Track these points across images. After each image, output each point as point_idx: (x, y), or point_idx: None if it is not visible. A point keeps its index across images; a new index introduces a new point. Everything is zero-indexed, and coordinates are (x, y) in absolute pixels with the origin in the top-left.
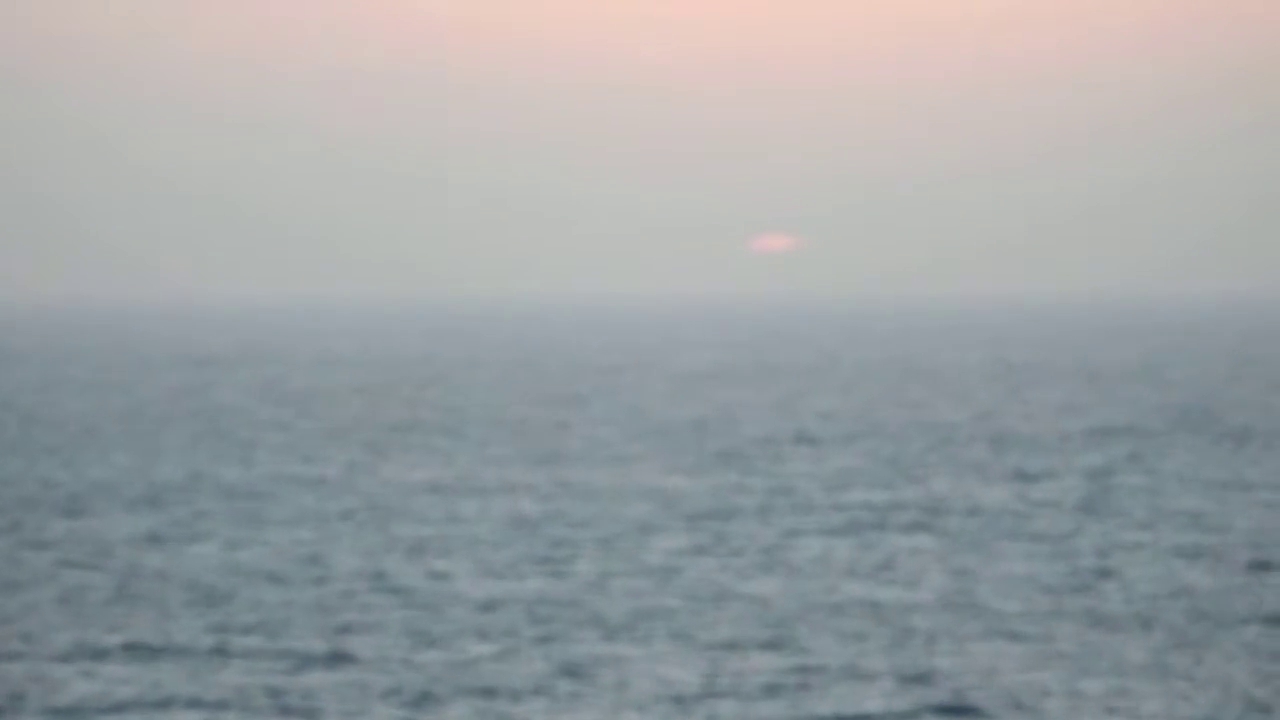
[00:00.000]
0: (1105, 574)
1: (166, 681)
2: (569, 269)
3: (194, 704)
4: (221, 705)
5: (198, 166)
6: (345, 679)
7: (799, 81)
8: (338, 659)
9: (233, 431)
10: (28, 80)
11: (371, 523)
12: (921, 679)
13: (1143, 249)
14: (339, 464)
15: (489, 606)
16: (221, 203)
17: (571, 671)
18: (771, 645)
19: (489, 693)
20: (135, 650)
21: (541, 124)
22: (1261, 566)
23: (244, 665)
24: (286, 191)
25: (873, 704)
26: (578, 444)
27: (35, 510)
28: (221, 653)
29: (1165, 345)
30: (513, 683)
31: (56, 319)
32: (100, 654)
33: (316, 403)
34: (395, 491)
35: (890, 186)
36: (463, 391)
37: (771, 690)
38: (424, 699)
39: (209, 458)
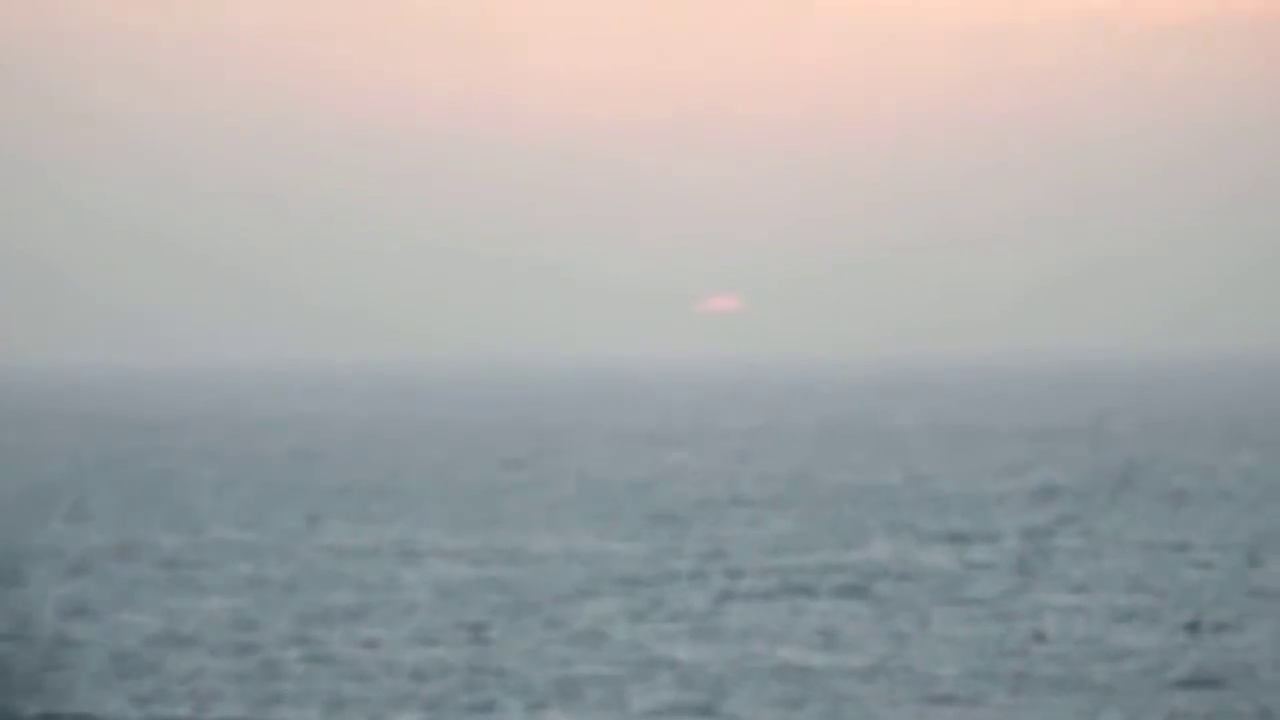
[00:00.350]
0: (1038, 637)
1: None
2: (521, 330)
3: None
4: None
5: (191, 230)
6: None
7: (750, 145)
8: None
9: (171, 496)
10: (25, 151)
11: (306, 589)
12: None
13: (1126, 311)
14: (277, 529)
15: (419, 674)
16: (214, 266)
17: None
18: (703, 712)
19: None
20: None
21: (492, 184)
22: (1195, 628)
23: None
24: (270, 255)
25: None
26: (517, 507)
27: None
28: None
29: (1119, 404)
30: None
31: (33, 382)
32: None
33: (258, 467)
34: (331, 557)
35: (845, 251)
36: (404, 453)
37: None
38: None
39: (145, 523)
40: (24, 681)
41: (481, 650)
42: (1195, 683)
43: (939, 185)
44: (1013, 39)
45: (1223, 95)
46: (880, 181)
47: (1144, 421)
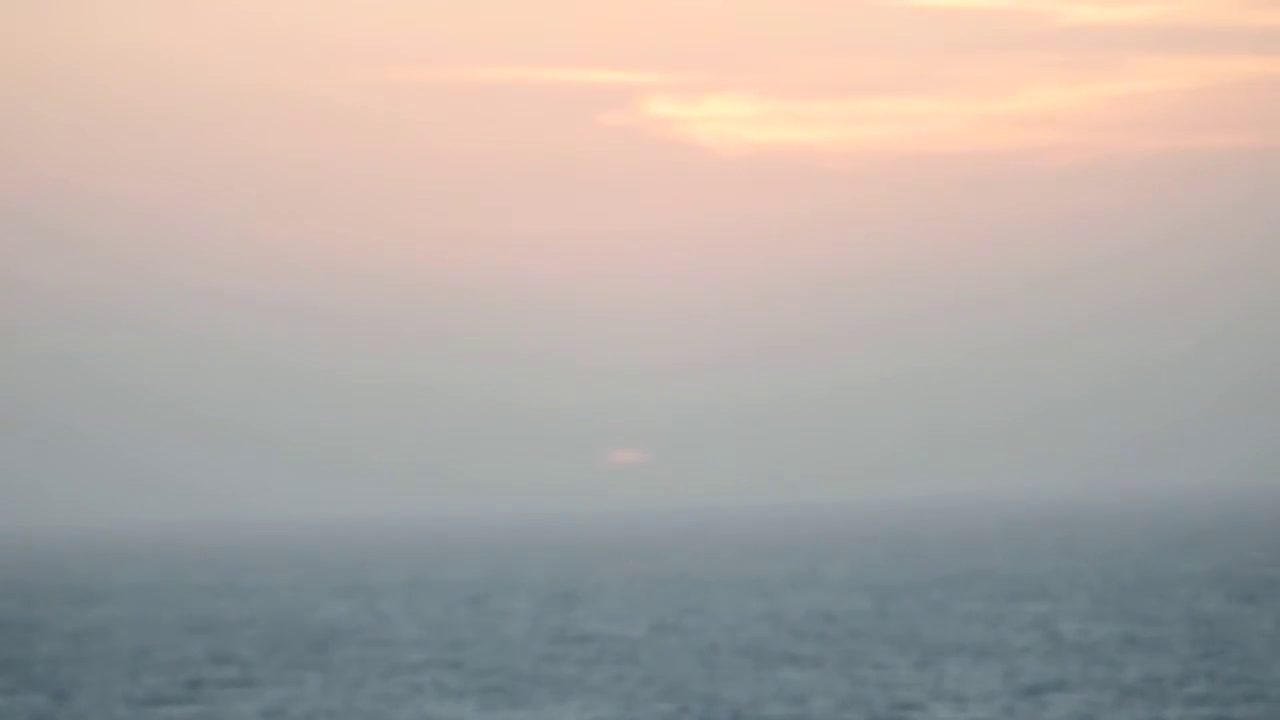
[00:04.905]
0: None
1: None
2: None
3: None
4: None
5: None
6: None
7: (645, 295)
8: None
9: None
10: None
11: None
12: None
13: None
14: None
15: None
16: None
17: None
18: None
19: None
20: None
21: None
22: None
23: None
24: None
25: None
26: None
27: None
28: None
29: (894, 550)
30: None
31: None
32: None
33: None
34: None
35: (749, 399)
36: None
37: None
38: None
39: None
40: None
41: None
42: None
43: (845, 332)
44: (951, 181)
45: (1160, 233)
46: (790, 328)
47: (897, 568)
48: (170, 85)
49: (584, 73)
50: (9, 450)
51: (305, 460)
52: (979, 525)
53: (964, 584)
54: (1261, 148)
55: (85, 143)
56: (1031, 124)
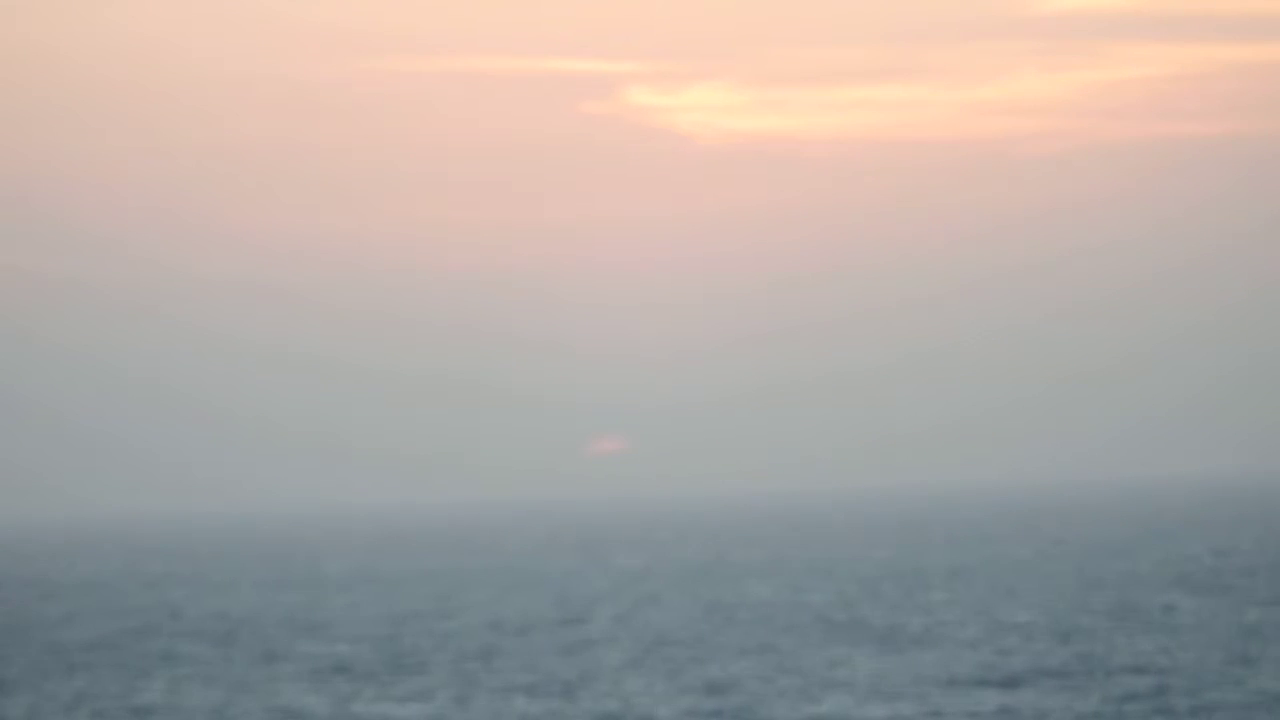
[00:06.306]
0: None
1: None
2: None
3: None
4: None
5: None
6: None
7: (620, 287)
8: None
9: None
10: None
11: None
12: None
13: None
14: None
15: None
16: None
17: None
18: None
19: None
20: None
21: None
22: None
23: None
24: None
25: None
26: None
27: None
28: None
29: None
30: None
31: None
32: None
33: None
34: None
35: (733, 387)
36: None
37: None
38: None
39: None
40: None
41: None
42: None
43: (827, 320)
44: (929, 169)
45: (1151, 220)
46: (773, 315)
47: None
48: (168, 75)
49: (565, 62)
50: (5, 441)
51: (296, 449)
52: (957, 516)
53: (930, 574)
54: (1244, 134)
55: (85, 132)
56: (1013, 111)
